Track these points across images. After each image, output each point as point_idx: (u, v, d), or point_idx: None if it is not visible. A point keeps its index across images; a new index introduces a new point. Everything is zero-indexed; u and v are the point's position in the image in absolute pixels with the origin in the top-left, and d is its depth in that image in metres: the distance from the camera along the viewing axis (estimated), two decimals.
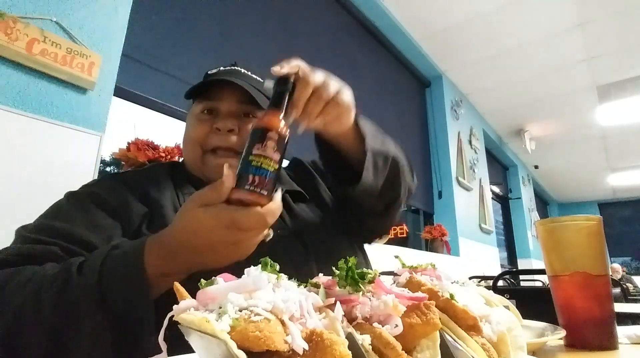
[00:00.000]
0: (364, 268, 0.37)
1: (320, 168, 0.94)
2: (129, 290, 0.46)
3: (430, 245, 3.43)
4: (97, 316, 0.45)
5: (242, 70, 0.82)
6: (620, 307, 1.25)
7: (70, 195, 0.66)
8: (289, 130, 0.53)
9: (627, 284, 3.46)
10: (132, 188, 0.69)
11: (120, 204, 0.65)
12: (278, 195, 0.49)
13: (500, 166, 6.23)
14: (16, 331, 0.45)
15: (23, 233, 0.58)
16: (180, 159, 0.90)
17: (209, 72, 0.83)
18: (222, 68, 0.82)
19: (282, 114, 0.54)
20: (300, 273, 0.39)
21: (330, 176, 0.87)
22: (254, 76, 0.82)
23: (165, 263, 0.48)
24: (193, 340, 0.29)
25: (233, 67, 0.82)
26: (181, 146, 0.84)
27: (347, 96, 0.64)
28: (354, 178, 0.71)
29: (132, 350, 0.47)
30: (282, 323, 0.27)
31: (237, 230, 0.46)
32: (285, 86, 0.57)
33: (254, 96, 0.73)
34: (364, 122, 0.73)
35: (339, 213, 0.85)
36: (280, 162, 0.50)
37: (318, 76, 0.59)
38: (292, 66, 0.57)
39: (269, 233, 0.51)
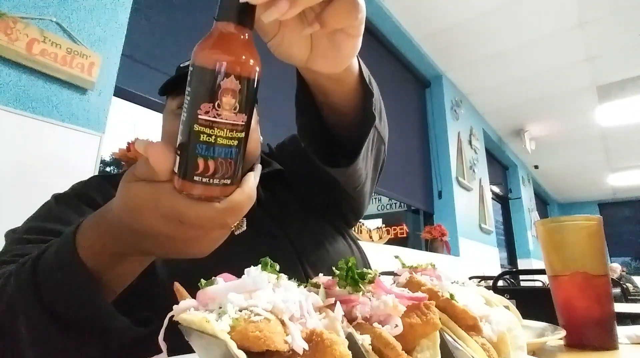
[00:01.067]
0: (361, 267, 0.37)
1: (288, 148, 0.85)
2: (60, 273, 0.39)
3: (430, 245, 3.43)
4: (32, 307, 0.39)
5: None
6: (620, 307, 1.25)
7: (58, 197, 0.65)
8: (259, 63, 0.31)
9: (627, 284, 3.46)
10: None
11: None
12: (250, 181, 0.34)
13: (500, 166, 6.23)
14: None
15: (15, 236, 0.56)
16: None
17: (181, 65, 0.77)
18: None
19: (245, 34, 0.31)
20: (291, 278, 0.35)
21: (306, 143, 0.62)
22: None
23: (111, 241, 0.38)
24: (193, 340, 0.29)
25: None
26: None
27: (361, 11, 0.38)
28: (332, 150, 0.59)
29: (95, 335, 0.41)
30: (282, 323, 0.27)
31: (180, 224, 0.32)
32: None
33: None
34: (366, 71, 0.53)
35: (314, 195, 0.78)
36: (247, 126, 0.31)
37: None
38: None
39: (240, 224, 0.35)
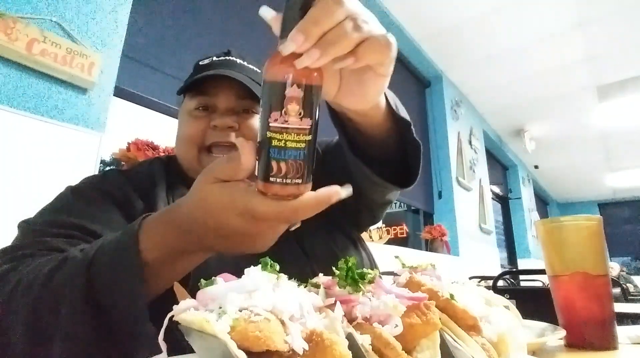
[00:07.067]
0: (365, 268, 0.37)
1: (334, 152, 0.82)
2: (117, 270, 0.40)
3: (430, 245, 3.43)
4: (78, 296, 0.40)
5: (238, 60, 0.75)
6: (620, 307, 1.25)
7: (75, 190, 0.63)
8: (320, 72, 0.34)
9: (627, 284, 3.46)
10: (134, 184, 0.67)
11: (126, 201, 0.63)
12: (322, 190, 0.36)
13: (500, 166, 6.23)
14: (8, 310, 0.43)
15: (36, 228, 0.54)
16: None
17: (200, 62, 0.76)
18: (214, 58, 0.75)
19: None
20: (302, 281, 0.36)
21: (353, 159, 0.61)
22: (250, 66, 0.76)
23: (176, 238, 0.41)
24: (193, 340, 0.29)
25: (227, 58, 0.75)
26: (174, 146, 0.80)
27: (393, 49, 0.38)
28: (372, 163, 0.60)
29: (123, 335, 0.41)
30: (282, 323, 0.27)
31: (252, 219, 0.36)
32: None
33: (254, 91, 0.69)
34: (393, 101, 0.53)
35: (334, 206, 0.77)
36: (314, 129, 0.34)
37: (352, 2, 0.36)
38: None
39: (296, 222, 0.39)
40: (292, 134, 0.33)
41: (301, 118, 0.33)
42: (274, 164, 0.34)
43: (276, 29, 0.36)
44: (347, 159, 0.62)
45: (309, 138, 0.34)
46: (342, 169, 0.65)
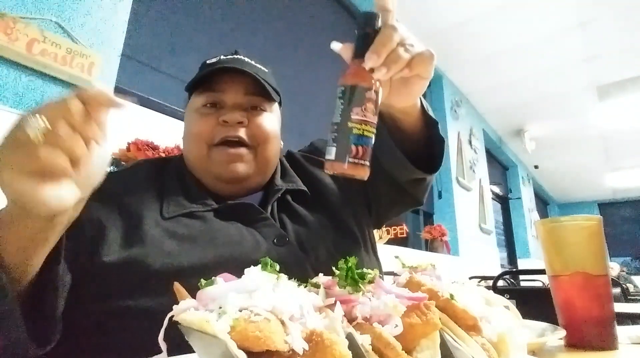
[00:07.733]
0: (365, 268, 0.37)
1: (314, 157, 0.83)
2: None
3: (430, 245, 3.43)
4: None
5: (246, 59, 0.73)
6: (620, 307, 1.25)
7: None
8: (381, 84, 0.47)
9: (627, 284, 3.46)
10: (103, 198, 0.60)
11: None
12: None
13: (500, 166, 6.23)
14: None
15: None
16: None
17: (207, 61, 0.74)
18: (222, 57, 0.74)
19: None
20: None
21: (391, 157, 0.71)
22: (258, 65, 0.74)
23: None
24: (193, 340, 0.29)
25: (235, 56, 0.74)
26: (181, 146, 0.78)
27: (434, 59, 0.56)
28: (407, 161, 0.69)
29: None
30: (282, 323, 0.27)
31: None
32: (377, 28, 0.49)
33: (264, 86, 0.68)
34: (426, 104, 0.69)
35: (346, 203, 0.76)
36: (377, 124, 0.46)
37: (401, 26, 0.52)
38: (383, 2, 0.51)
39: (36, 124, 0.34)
40: (369, 125, 0.44)
41: (373, 114, 0.44)
42: (353, 148, 0.43)
43: (345, 54, 0.49)
44: (383, 149, 0.69)
45: (375, 130, 0.45)
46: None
